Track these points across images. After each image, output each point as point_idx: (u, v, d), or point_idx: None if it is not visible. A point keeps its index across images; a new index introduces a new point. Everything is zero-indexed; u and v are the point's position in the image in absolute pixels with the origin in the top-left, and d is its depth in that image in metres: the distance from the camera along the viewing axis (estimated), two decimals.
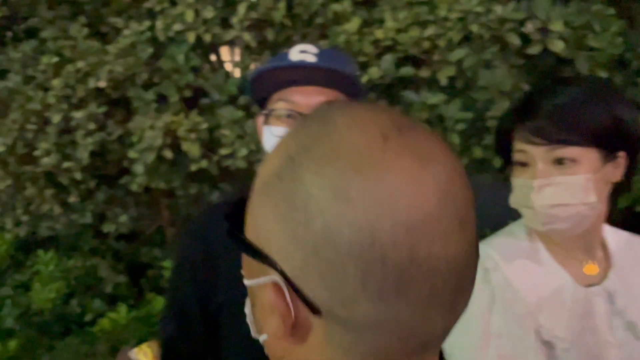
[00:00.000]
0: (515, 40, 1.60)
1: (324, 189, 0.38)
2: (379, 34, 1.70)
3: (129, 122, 2.11)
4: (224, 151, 1.99)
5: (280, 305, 0.40)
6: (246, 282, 0.46)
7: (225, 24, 1.88)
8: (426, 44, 1.65)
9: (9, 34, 2.58)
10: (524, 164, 0.91)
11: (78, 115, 2.07)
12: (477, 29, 1.58)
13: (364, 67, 1.70)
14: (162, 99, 2.06)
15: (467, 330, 0.96)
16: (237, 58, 2.04)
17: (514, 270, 0.96)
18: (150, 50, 1.98)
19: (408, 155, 0.39)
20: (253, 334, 0.46)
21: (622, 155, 0.89)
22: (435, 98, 1.70)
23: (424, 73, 1.71)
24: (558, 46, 1.56)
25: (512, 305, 0.95)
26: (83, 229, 3.00)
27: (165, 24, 1.89)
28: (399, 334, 0.40)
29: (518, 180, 0.92)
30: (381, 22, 1.77)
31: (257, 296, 0.45)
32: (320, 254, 0.38)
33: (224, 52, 2.89)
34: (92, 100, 2.08)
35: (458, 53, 1.62)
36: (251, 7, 1.78)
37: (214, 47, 2.25)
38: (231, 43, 2.30)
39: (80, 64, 2.05)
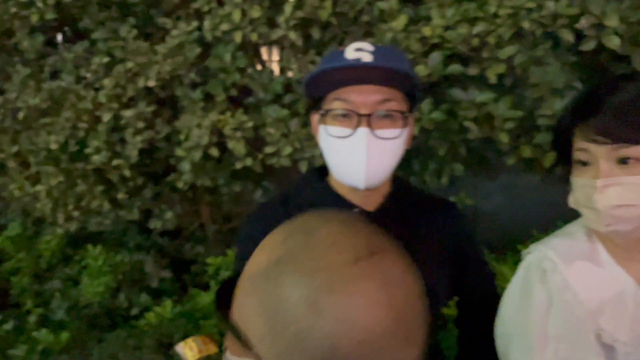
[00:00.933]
0: (568, 37, 1.55)
1: (301, 299, 0.46)
2: (426, 31, 1.68)
3: (176, 120, 2.16)
4: (268, 149, 2.01)
5: None
6: (229, 356, 0.56)
7: (272, 23, 1.90)
8: (475, 41, 1.62)
9: (59, 35, 2.67)
10: (585, 163, 0.89)
11: (128, 114, 2.13)
12: (528, 25, 1.54)
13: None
14: (208, 98, 2.09)
15: (524, 332, 0.95)
16: (282, 57, 2.05)
17: (573, 272, 0.94)
18: (197, 50, 2.01)
19: (373, 279, 0.47)
20: None
21: None
22: (483, 96, 1.67)
23: (473, 71, 1.68)
24: (613, 42, 1.51)
25: (571, 308, 0.93)
26: (129, 225, 3.09)
27: (213, 24, 1.92)
28: None
29: (579, 180, 0.90)
30: (428, 19, 1.75)
31: None
32: (293, 354, 0.47)
33: (270, 51, 2.92)
34: (141, 99, 2.13)
35: (508, 50, 1.59)
36: (297, 6, 1.78)
37: (259, 47, 2.27)
38: (276, 42, 2.33)
39: (130, 64, 2.10)
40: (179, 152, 2.11)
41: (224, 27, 1.90)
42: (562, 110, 1.40)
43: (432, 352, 1.00)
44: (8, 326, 2.40)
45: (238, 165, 2.11)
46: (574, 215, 0.99)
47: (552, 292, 0.94)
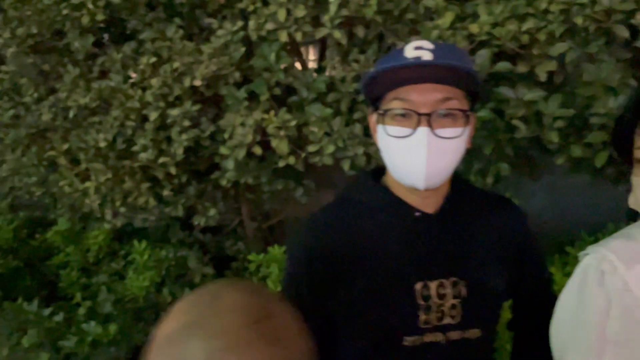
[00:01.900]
0: (623, 33, 1.50)
1: None
2: (473, 28, 1.65)
3: (220, 119, 2.19)
4: (311, 148, 2.02)
5: None
6: None
7: (316, 22, 1.90)
8: (525, 38, 1.59)
9: (106, 36, 2.75)
10: None
11: (174, 112, 2.17)
12: (581, 21, 1.50)
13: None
14: (252, 97, 2.12)
15: (581, 335, 0.92)
16: (326, 56, 2.06)
17: (634, 275, 0.91)
18: (242, 49, 2.04)
19: (266, 340, 0.55)
20: None
21: None
22: (532, 94, 1.63)
23: (522, 68, 1.65)
24: None
25: (631, 312, 0.90)
26: (171, 221, 3.15)
27: (258, 24, 1.94)
28: None
29: None
30: (475, 16, 1.72)
31: None
32: None
33: (314, 50, 2.93)
34: (187, 98, 2.17)
35: (560, 47, 1.55)
36: (342, 5, 1.78)
37: (303, 45, 2.29)
38: (321, 41, 2.33)
39: (177, 64, 2.14)
40: (223, 150, 2.14)
41: (269, 26, 1.91)
42: (619, 108, 1.35)
43: (487, 354, 0.99)
44: (58, 318, 2.49)
45: (280, 164, 2.12)
46: (623, 217, 0.96)
47: (611, 295, 0.91)
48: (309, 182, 2.53)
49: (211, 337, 0.55)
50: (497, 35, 1.62)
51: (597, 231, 2.40)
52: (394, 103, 0.90)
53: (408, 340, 0.91)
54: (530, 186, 3.11)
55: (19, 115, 2.79)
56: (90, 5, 2.22)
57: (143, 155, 2.30)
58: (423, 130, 0.86)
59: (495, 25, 1.63)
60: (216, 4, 2.13)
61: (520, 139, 1.77)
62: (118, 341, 2.25)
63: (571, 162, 1.78)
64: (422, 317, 0.91)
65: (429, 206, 0.96)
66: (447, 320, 0.92)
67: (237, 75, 2.10)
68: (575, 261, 0.98)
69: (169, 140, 2.28)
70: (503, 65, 1.64)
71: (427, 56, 0.85)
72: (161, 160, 2.28)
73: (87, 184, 2.54)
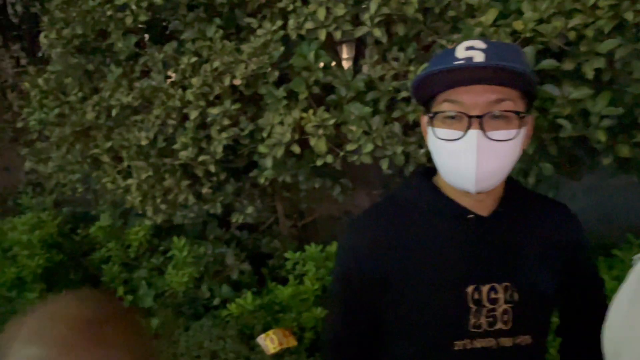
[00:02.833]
0: None
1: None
2: (517, 25, 1.62)
3: (259, 118, 2.21)
4: (349, 147, 2.02)
5: None
6: None
7: (356, 20, 1.90)
8: (571, 35, 1.54)
9: (146, 36, 2.81)
10: None
11: (214, 111, 2.20)
12: (632, 17, 1.45)
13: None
14: (291, 95, 2.13)
15: (635, 340, 0.90)
16: (366, 54, 2.05)
17: None
18: (282, 48, 2.05)
19: (95, 343, 0.58)
20: None
21: None
22: (579, 92, 1.59)
23: (568, 65, 1.60)
24: None
25: None
26: (209, 219, 3.20)
27: (297, 23, 1.95)
28: None
29: None
30: (519, 13, 1.68)
31: None
32: None
33: (347, 49, 2.93)
34: (226, 97, 2.20)
35: (609, 43, 1.50)
36: (383, 3, 1.77)
37: (338, 45, 2.29)
38: (356, 39, 2.33)
39: (217, 64, 2.17)
40: (262, 148, 2.16)
41: (309, 25, 1.92)
42: None
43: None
44: None
45: (318, 162, 2.13)
46: None
47: None
48: (346, 181, 2.53)
49: (43, 345, 0.58)
50: (542, 32, 1.58)
51: None
52: (444, 105, 0.88)
53: (458, 344, 0.90)
54: (571, 187, 3.04)
55: (64, 114, 2.88)
56: (134, 7, 2.27)
57: (183, 154, 2.34)
58: (473, 133, 0.84)
59: (540, 21, 1.59)
60: (256, 3, 2.14)
61: (564, 138, 1.72)
62: (159, 335, 2.30)
63: (618, 162, 1.73)
64: (472, 320, 0.90)
65: (483, 208, 0.94)
66: (499, 326, 0.90)
67: (276, 74, 2.11)
68: (622, 264, 0.96)
69: (208, 138, 2.32)
70: (548, 63, 1.60)
71: (478, 57, 0.83)
72: (201, 158, 2.32)
73: (129, 181, 2.60)
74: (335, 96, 2.06)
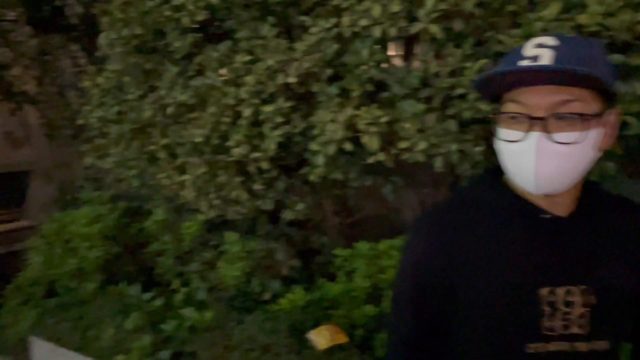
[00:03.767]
0: None
1: None
2: (582, 19, 1.56)
3: (311, 116, 2.22)
4: (402, 144, 2.00)
5: None
6: None
7: (411, 17, 1.88)
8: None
9: (199, 35, 2.87)
10: None
11: (267, 109, 2.23)
12: None
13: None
14: (344, 93, 2.13)
15: None
16: (419, 51, 2.03)
17: None
18: (335, 46, 2.05)
19: None
20: None
21: None
22: None
23: (636, 60, 1.54)
24: None
25: None
26: (259, 214, 3.25)
27: (351, 20, 1.95)
28: None
29: None
30: (582, 6, 1.63)
31: None
32: None
33: (395, 45, 2.90)
34: (280, 95, 2.22)
35: None
36: None
37: (389, 42, 2.27)
38: (409, 36, 2.31)
39: (270, 62, 2.20)
40: (314, 146, 2.17)
41: (363, 22, 1.92)
42: None
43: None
44: (158, 302, 2.64)
45: (370, 160, 2.12)
46: None
47: None
48: (397, 179, 2.51)
49: None
50: (608, 26, 1.52)
51: None
52: (509, 106, 0.85)
53: (531, 348, 0.88)
54: (633, 187, 2.92)
55: (123, 112, 2.98)
56: (191, 7, 2.32)
57: (236, 150, 2.39)
58: (534, 135, 0.81)
59: (606, 15, 1.54)
60: (310, 1, 2.16)
61: (630, 136, 1.66)
62: (213, 328, 2.36)
63: None
64: (546, 323, 0.88)
65: (559, 208, 0.91)
66: (574, 330, 0.87)
67: (329, 72, 2.12)
68: None
69: (261, 136, 2.35)
70: (616, 58, 1.54)
71: (545, 56, 0.80)
72: (253, 155, 2.35)
73: (184, 177, 2.67)
74: (388, 93, 2.05)
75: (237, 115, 2.39)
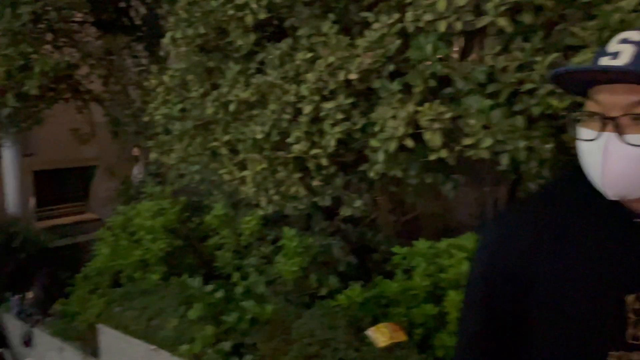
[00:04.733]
0: None
1: None
2: None
3: (371, 112, 2.22)
4: (467, 141, 1.96)
5: None
6: None
7: (478, 10, 1.84)
8: None
9: (264, 34, 2.92)
10: None
11: (327, 106, 2.24)
12: None
13: None
14: (405, 89, 2.11)
15: None
16: (482, 45, 1.98)
17: None
18: (398, 42, 2.03)
19: None
20: None
21: None
22: None
23: None
24: None
25: None
26: (314, 211, 3.28)
27: (415, 15, 1.93)
28: None
29: None
30: None
31: None
32: None
33: (461, 40, 2.83)
34: (341, 92, 2.23)
35: None
36: None
37: (454, 36, 2.23)
38: (471, 31, 2.25)
39: (331, 59, 2.21)
40: (374, 142, 2.17)
41: (427, 17, 1.89)
42: None
43: None
44: (219, 294, 2.71)
45: (432, 157, 2.09)
46: None
47: None
48: (458, 177, 2.46)
49: None
50: None
51: None
52: (587, 104, 0.82)
53: (613, 356, 0.84)
54: None
55: (186, 109, 3.07)
56: (254, 5, 2.36)
57: (296, 147, 2.41)
58: (605, 135, 0.77)
59: None
60: None
61: None
62: (273, 321, 2.40)
63: None
64: (630, 331, 0.83)
65: None
66: None
67: (391, 67, 2.10)
68: None
69: (321, 132, 2.36)
70: None
71: (626, 53, 0.75)
72: (313, 151, 2.37)
73: (244, 172, 2.72)
74: (451, 89, 2.02)
75: (298, 112, 2.41)
